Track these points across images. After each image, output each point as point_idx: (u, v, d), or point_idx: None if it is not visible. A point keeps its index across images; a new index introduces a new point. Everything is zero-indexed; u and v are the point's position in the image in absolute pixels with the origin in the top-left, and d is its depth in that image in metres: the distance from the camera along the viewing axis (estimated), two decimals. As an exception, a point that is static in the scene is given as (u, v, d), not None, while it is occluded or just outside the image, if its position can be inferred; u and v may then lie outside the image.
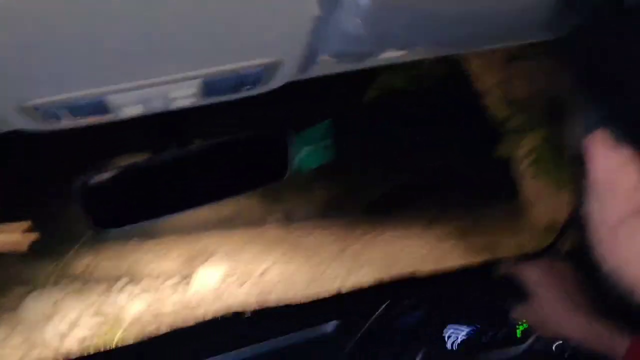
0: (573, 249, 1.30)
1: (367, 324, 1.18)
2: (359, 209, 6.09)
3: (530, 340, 1.24)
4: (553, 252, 1.34)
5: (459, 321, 1.21)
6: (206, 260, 5.30)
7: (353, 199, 6.25)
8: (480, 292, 1.26)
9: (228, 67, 0.68)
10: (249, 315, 1.31)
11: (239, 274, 5.01)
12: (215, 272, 5.00)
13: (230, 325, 1.33)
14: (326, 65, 0.77)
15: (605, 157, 0.50)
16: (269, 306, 1.36)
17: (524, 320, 1.24)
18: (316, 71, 0.79)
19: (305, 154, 3.97)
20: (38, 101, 0.66)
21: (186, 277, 5.00)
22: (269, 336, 1.26)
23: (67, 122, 0.74)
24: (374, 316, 1.18)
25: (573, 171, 0.57)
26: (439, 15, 0.64)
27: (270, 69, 0.71)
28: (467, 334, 1.19)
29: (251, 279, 4.94)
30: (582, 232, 0.57)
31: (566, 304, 1.12)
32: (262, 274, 5.01)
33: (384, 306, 1.19)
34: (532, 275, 1.19)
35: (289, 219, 6.13)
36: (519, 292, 1.18)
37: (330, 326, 1.24)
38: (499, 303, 1.22)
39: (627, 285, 0.54)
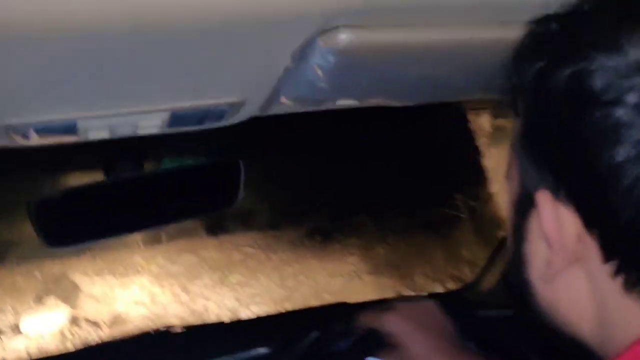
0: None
1: (301, 349, 1.21)
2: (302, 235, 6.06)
3: None
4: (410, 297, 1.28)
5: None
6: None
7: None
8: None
9: (196, 103, 0.73)
10: (179, 333, 1.32)
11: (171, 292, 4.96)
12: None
13: (157, 343, 1.34)
14: (285, 106, 0.83)
15: (549, 211, 0.55)
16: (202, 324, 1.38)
17: None
18: (275, 110, 0.85)
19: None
20: (11, 122, 0.69)
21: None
22: (200, 356, 1.28)
23: (38, 141, 0.77)
24: (307, 340, 1.21)
25: (515, 215, 0.63)
26: (396, 77, 0.71)
27: (234, 107, 0.76)
28: None
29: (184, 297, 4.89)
30: (517, 268, 0.63)
31: (440, 349, 0.99)
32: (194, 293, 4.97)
33: (317, 332, 1.22)
34: (394, 325, 1.03)
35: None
36: (382, 344, 1.03)
37: (262, 350, 1.27)
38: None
39: (559, 320, 0.60)
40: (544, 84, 0.53)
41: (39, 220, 0.94)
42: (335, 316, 1.32)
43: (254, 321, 1.39)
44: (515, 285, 0.65)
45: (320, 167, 6.32)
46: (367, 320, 1.08)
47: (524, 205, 0.60)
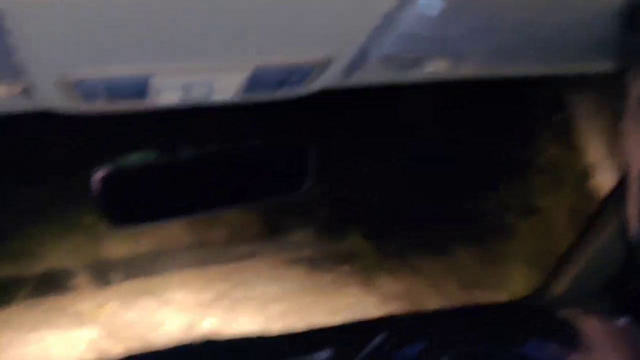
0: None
1: (362, 353, 1.15)
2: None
3: None
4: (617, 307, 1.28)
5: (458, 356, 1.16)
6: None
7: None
8: (489, 332, 1.20)
9: (280, 59, 0.67)
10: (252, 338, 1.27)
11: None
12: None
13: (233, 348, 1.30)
14: (368, 74, 0.76)
15: None
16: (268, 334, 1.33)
17: None
18: (357, 79, 0.78)
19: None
20: (79, 75, 0.63)
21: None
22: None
23: (102, 104, 0.71)
24: (369, 346, 1.15)
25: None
26: (500, 23, 0.65)
27: (318, 68, 0.70)
28: None
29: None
30: None
31: None
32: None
33: (381, 337, 1.16)
34: (599, 331, 1.11)
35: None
36: (574, 341, 1.10)
37: (324, 354, 1.21)
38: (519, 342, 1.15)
39: None
40: None
41: (104, 195, 0.88)
42: (396, 325, 1.26)
43: (310, 330, 1.33)
44: None
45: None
46: (567, 315, 1.15)
47: None
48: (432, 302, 4.70)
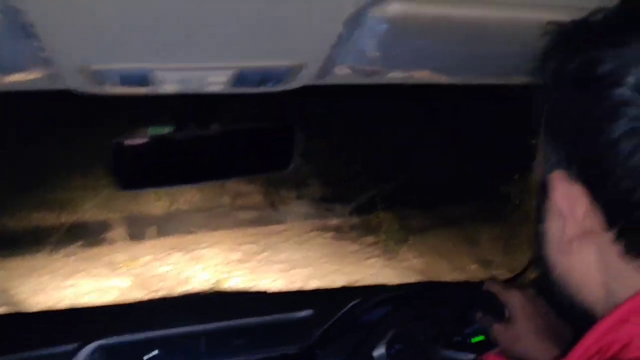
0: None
1: (337, 316, 1.32)
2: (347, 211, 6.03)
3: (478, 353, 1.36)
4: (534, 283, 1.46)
5: (422, 320, 1.33)
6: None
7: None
8: (457, 303, 1.37)
9: (259, 63, 0.81)
10: (229, 292, 1.43)
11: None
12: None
13: (221, 300, 1.47)
14: (340, 76, 0.90)
15: (563, 189, 0.64)
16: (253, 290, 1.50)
17: (496, 337, 1.31)
18: (331, 80, 0.92)
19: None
20: (100, 67, 0.79)
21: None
22: (251, 313, 1.39)
23: (112, 89, 0.87)
24: (343, 310, 1.32)
25: (538, 198, 0.71)
26: (442, 50, 0.78)
27: (293, 71, 0.84)
28: (425, 333, 1.31)
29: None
30: (539, 246, 0.72)
31: (539, 335, 1.21)
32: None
33: (353, 302, 1.32)
34: (516, 302, 1.27)
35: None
36: (500, 313, 1.27)
37: (305, 313, 1.37)
38: (471, 315, 1.32)
39: (572, 289, 0.68)
40: (562, 72, 0.62)
41: (116, 161, 1.05)
42: (367, 292, 1.41)
43: (295, 292, 1.50)
44: (539, 261, 0.73)
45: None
46: (495, 289, 1.32)
47: (545, 187, 0.68)
48: (449, 278, 4.83)
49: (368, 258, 5.16)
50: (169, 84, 0.87)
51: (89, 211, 5.51)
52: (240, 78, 0.85)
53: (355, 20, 0.71)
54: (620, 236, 0.60)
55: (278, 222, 5.80)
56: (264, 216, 5.92)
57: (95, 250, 5.01)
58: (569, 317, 0.72)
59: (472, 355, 1.34)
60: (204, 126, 1.10)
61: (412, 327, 1.30)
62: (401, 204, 5.74)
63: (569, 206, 0.64)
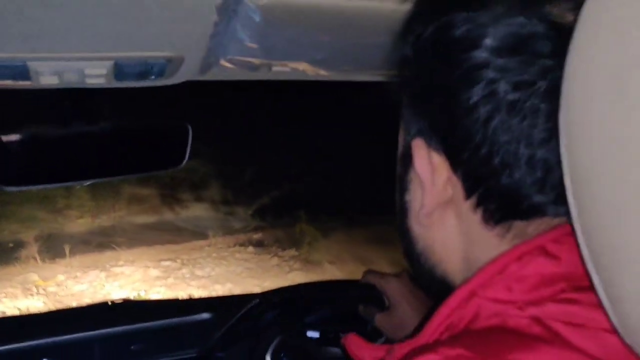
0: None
1: (234, 318, 1.32)
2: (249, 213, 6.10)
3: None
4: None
5: (314, 320, 1.34)
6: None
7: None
8: (343, 299, 1.39)
9: (135, 54, 0.80)
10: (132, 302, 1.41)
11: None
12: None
13: (119, 309, 1.44)
14: (225, 71, 0.90)
15: (423, 159, 0.63)
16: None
17: (381, 327, 1.32)
18: (216, 75, 0.92)
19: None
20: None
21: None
22: (152, 320, 1.37)
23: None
24: (240, 312, 1.32)
25: (399, 169, 0.70)
26: (315, 41, 0.79)
27: (173, 63, 0.84)
28: (320, 330, 1.32)
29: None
30: (402, 218, 0.70)
31: (418, 317, 1.23)
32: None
33: (252, 303, 1.32)
34: (394, 288, 1.29)
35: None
36: (380, 302, 1.29)
37: (205, 315, 1.37)
38: (355, 307, 1.34)
39: (434, 260, 0.67)
40: (420, 40, 0.62)
41: None
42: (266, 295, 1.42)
43: (195, 299, 1.50)
44: (401, 235, 0.72)
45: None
46: (372, 279, 1.33)
47: (406, 157, 0.67)
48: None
49: (289, 272, 5.16)
50: (47, 77, 0.85)
51: (4, 229, 5.31)
52: (119, 70, 0.83)
53: (229, 8, 0.72)
54: (479, 204, 0.60)
55: (199, 237, 5.73)
56: (180, 228, 5.87)
57: (8, 270, 4.82)
58: (431, 292, 0.72)
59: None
60: (90, 123, 1.08)
61: (297, 331, 1.31)
62: (319, 209, 5.81)
63: (429, 176, 0.63)
